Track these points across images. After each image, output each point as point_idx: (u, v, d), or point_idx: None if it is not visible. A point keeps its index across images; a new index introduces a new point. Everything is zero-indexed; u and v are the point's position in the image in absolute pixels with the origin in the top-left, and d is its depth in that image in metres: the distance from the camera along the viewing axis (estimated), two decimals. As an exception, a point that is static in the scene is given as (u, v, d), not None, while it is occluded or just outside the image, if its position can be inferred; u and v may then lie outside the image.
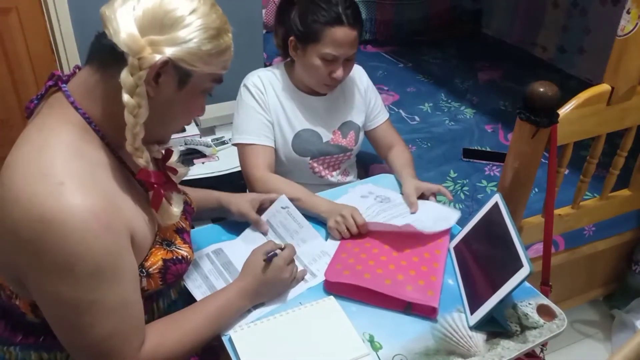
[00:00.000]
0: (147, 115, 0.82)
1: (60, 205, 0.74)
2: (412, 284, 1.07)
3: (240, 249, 1.15)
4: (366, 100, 1.56)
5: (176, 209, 0.93)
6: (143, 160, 0.85)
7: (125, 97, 0.79)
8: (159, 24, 0.79)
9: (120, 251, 0.81)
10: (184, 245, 0.98)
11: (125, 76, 0.78)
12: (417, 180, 1.39)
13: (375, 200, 1.33)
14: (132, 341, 0.85)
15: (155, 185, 0.87)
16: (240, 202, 1.23)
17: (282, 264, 1.05)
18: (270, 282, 1.03)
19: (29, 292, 0.83)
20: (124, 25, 0.78)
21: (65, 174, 0.76)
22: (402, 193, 1.38)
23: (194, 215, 1.25)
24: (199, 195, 1.27)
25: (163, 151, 1.03)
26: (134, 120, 0.81)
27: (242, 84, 1.46)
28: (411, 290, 1.05)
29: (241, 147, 1.43)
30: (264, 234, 1.23)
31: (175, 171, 1.02)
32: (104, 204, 0.78)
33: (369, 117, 1.58)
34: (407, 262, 1.13)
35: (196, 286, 1.10)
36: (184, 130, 2.16)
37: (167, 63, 0.80)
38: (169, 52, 0.80)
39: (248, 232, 1.25)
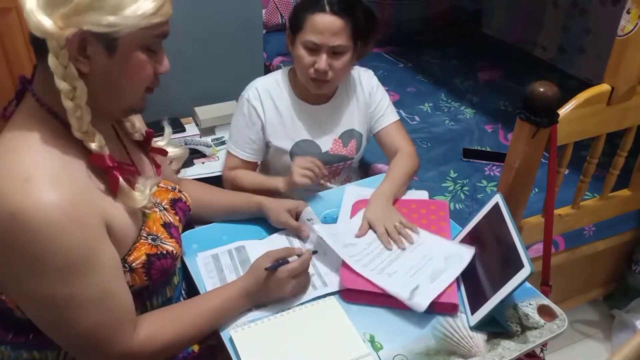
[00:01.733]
0: (86, 95, 0.79)
1: (26, 201, 0.73)
2: None
3: (262, 249, 1.12)
4: (371, 102, 1.53)
5: (138, 193, 0.88)
6: (95, 145, 0.82)
7: (60, 83, 0.76)
8: None
9: (93, 244, 0.79)
10: (170, 240, 0.96)
11: (51, 61, 0.75)
12: (379, 205, 1.26)
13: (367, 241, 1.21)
14: (122, 330, 0.84)
15: (110, 169, 0.84)
16: (280, 212, 1.24)
17: (284, 276, 1.01)
18: (270, 290, 1.01)
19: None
20: (30, 9, 0.74)
21: (32, 170, 0.75)
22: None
23: (205, 215, 1.25)
24: (239, 199, 1.28)
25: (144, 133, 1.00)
26: (72, 104, 0.78)
27: (243, 92, 1.47)
28: None
29: (227, 150, 1.52)
30: (305, 239, 1.23)
31: (164, 152, 0.98)
32: (73, 197, 0.77)
33: (374, 117, 1.54)
34: None
35: (210, 277, 1.11)
36: (184, 130, 2.16)
37: (83, 34, 0.75)
38: (79, 21, 0.74)
39: (275, 236, 1.25)
